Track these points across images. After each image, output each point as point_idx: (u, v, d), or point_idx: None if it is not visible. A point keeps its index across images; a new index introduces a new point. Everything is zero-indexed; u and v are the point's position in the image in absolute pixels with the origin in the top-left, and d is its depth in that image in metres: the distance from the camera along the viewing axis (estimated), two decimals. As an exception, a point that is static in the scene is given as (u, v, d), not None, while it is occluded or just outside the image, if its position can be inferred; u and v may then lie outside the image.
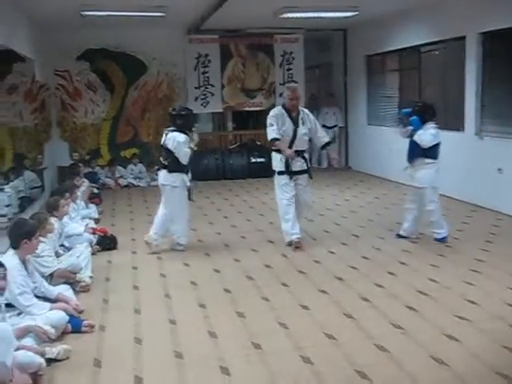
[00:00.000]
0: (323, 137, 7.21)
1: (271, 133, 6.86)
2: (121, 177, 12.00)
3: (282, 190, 6.94)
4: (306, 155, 7.16)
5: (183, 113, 6.75)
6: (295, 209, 6.95)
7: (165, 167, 6.64)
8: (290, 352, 4.13)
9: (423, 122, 6.70)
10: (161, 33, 11.67)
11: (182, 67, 12.35)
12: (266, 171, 11.66)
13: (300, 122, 6.95)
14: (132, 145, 12.41)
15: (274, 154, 7.01)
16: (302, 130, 6.93)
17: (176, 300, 5.28)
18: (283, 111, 6.95)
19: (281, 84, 12.75)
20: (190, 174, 6.78)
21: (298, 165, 6.97)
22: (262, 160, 12.16)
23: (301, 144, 6.97)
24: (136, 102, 12.32)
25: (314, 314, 4.84)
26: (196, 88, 12.39)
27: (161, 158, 6.74)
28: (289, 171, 6.88)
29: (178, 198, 6.67)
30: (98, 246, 6.84)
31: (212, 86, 12.46)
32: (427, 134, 6.61)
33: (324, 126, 13.23)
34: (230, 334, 4.50)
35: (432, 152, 6.68)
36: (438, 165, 6.75)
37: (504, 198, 8.21)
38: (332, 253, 6.70)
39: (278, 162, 6.94)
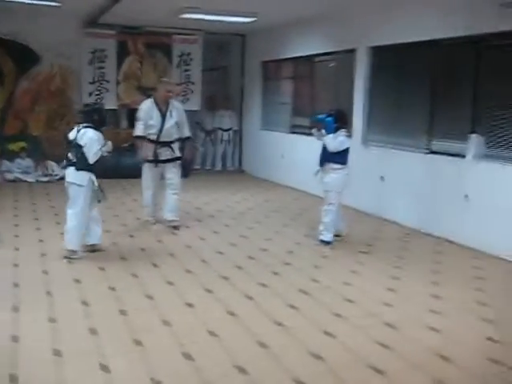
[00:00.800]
0: (186, 132, 7.93)
1: (136, 129, 7.71)
2: (7, 171, 11.46)
3: (147, 176, 7.82)
4: (175, 145, 7.76)
5: (97, 107, 6.58)
6: (166, 190, 7.84)
7: (73, 164, 6.25)
8: (171, 348, 4.16)
9: (336, 128, 6.98)
10: (56, 23, 11.27)
11: (77, 61, 11.98)
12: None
13: (168, 114, 7.62)
14: (20, 138, 11.86)
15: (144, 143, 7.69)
16: (169, 122, 7.62)
17: (57, 298, 5.15)
18: (153, 104, 7.64)
19: (177, 84, 12.71)
20: None
21: (165, 154, 7.69)
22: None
23: (168, 135, 7.66)
24: (26, 94, 11.79)
25: (197, 312, 4.90)
26: (91, 83, 12.08)
27: (69, 155, 6.32)
28: (155, 160, 7.65)
29: (82, 199, 6.24)
30: (-24, 242, 6.53)
31: (107, 81, 12.20)
32: (335, 140, 6.89)
33: (220, 128, 13.45)
34: (111, 331, 4.45)
35: (341, 158, 6.96)
36: (346, 170, 7.04)
37: (385, 204, 8.68)
38: (220, 253, 6.79)
39: (146, 151, 7.64)
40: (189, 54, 12.74)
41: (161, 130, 7.58)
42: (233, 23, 11.05)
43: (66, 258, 6.26)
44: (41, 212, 8.72)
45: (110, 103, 12.18)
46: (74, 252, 6.29)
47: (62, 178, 11.31)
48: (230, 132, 13.61)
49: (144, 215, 8.11)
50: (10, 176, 11.37)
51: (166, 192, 7.87)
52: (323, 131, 7.08)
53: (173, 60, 12.73)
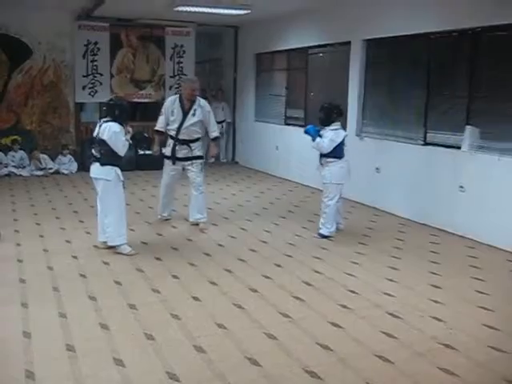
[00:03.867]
0: (212, 131, 7.72)
1: (157, 123, 7.74)
2: (1, 164, 11.41)
3: (164, 172, 7.79)
4: (194, 144, 7.56)
5: (119, 103, 6.49)
6: (190, 191, 7.72)
7: (97, 160, 6.27)
8: (182, 342, 4.23)
9: (330, 122, 7.09)
10: (48, 16, 11.30)
11: (71, 54, 11.99)
12: (154, 164, 11.67)
13: (191, 112, 7.46)
14: (14, 132, 11.84)
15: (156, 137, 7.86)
16: (190, 120, 7.45)
17: (65, 293, 5.20)
18: (177, 101, 7.54)
19: (171, 77, 12.79)
20: None
21: (183, 152, 7.55)
22: (150, 152, 12.11)
23: (187, 133, 7.50)
24: (19, 88, 11.78)
25: (204, 305, 4.97)
26: (84, 76, 12.06)
27: (93, 151, 6.34)
28: (173, 157, 7.54)
29: (112, 193, 6.24)
30: (-22, 238, 6.54)
31: (101, 75, 12.18)
32: (325, 142, 6.97)
33: (212, 120, 13.43)
34: (122, 325, 4.52)
35: (334, 152, 7.04)
36: (341, 163, 7.11)
37: (380, 195, 8.80)
38: (221, 245, 6.87)
39: (167, 147, 7.63)
40: (182, 46, 12.76)
41: (179, 128, 7.45)
42: (226, 15, 11.05)
43: (117, 252, 6.33)
44: (39, 206, 8.74)
45: (103, 96, 12.13)
46: (119, 246, 6.36)
47: (57, 172, 11.56)
48: (224, 124, 13.62)
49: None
50: (4, 170, 11.35)
51: (190, 192, 7.78)
52: (319, 164, 7.25)
53: (166, 52, 12.75)
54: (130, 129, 6.49)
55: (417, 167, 8.13)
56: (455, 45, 7.72)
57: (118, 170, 6.27)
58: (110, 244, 6.42)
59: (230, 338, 4.31)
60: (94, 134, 6.36)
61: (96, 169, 6.31)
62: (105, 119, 6.33)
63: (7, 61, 11.61)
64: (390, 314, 4.83)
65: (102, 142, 6.19)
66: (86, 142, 11.88)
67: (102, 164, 6.23)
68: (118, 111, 6.30)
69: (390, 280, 5.72)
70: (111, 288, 5.37)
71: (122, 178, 6.30)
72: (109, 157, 6.20)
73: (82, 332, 4.39)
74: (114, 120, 6.25)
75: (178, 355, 4.03)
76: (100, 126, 6.29)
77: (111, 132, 6.14)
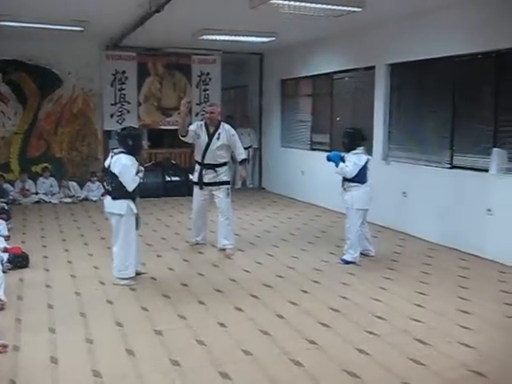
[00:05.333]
0: (239, 154, 7.73)
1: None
2: (28, 190, 11.60)
3: (194, 198, 7.80)
4: (221, 169, 7.55)
5: (134, 133, 6.29)
6: (218, 217, 7.71)
7: (109, 193, 6.10)
8: (208, 368, 4.21)
9: (353, 146, 7.05)
10: (77, 47, 11.59)
11: (99, 83, 12.27)
12: (181, 190, 11.82)
13: (215, 136, 7.46)
14: (44, 160, 12.12)
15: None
16: (214, 144, 7.45)
17: (92, 318, 5.23)
18: (202, 125, 7.59)
19: (197, 104, 12.94)
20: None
21: (209, 177, 7.55)
22: (177, 179, 12.30)
23: (213, 157, 7.49)
24: (49, 116, 12.09)
25: (230, 331, 4.95)
26: (112, 104, 12.31)
27: (104, 184, 6.18)
28: (200, 182, 7.55)
29: (123, 226, 6.09)
30: (9, 264, 6.61)
31: (128, 103, 12.42)
32: (349, 166, 6.94)
33: (239, 146, 13.51)
34: (147, 351, 4.52)
35: (357, 177, 6.99)
36: (364, 188, 7.07)
37: (408, 219, 8.72)
38: (247, 271, 6.85)
39: (194, 173, 7.72)
40: (208, 73, 12.95)
41: (205, 152, 7.45)
42: (251, 43, 11.20)
43: (114, 284, 6.24)
44: (67, 233, 8.86)
45: (131, 124, 12.31)
46: (120, 279, 6.23)
47: (86, 199, 11.71)
48: (250, 150, 13.68)
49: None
50: (34, 197, 11.55)
51: (218, 218, 7.78)
52: (341, 189, 7.21)
53: (192, 80, 12.95)
54: (143, 168, 6.22)
55: (444, 191, 8.05)
56: (480, 67, 7.69)
57: (131, 203, 6.09)
58: (114, 275, 6.26)
59: (255, 365, 4.28)
60: (106, 163, 6.17)
61: (108, 203, 6.14)
62: (116, 150, 6.11)
63: (37, 90, 11.92)
64: (418, 340, 4.74)
65: (113, 175, 6.00)
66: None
67: (114, 198, 6.05)
68: (131, 141, 6.06)
69: (418, 305, 5.63)
70: (137, 314, 5.38)
71: (135, 211, 6.13)
72: (120, 190, 6.00)
73: (108, 357, 4.41)
74: (126, 151, 6.05)
75: (203, 382, 4.02)
76: (112, 157, 6.08)
77: (121, 165, 5.94)
